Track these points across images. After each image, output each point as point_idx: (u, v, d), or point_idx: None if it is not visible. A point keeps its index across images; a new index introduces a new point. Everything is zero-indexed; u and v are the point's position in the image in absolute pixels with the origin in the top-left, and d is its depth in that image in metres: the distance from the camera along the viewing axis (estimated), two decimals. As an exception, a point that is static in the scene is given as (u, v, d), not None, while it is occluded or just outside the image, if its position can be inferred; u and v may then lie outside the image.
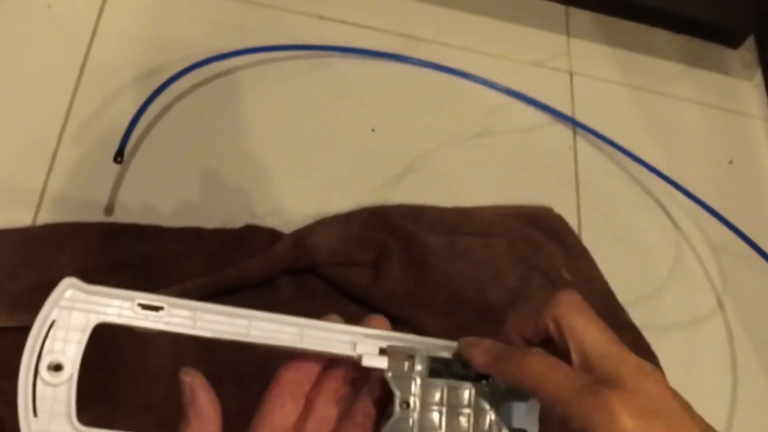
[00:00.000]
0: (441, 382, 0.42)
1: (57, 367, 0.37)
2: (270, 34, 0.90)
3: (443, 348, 0.43)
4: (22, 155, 0.78)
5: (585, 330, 0.38)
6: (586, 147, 0.95)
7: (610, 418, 0.34)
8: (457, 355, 0.43)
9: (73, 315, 0.38)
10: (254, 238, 0.77)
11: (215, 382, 0.39)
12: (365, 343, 0.42)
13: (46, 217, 0.75)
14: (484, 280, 0.81)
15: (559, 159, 0.94)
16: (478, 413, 0.42)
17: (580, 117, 0.96)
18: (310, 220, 0.80)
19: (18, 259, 0.72)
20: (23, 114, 0.80)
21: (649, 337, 0.82)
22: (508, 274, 0.82)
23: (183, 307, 0.39)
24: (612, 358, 0.37)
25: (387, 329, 0.43)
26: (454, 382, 0.42)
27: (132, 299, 0.38)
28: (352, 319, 0.75)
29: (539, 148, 0.93)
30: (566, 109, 0.96)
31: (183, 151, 0.82)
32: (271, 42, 0.89)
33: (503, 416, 0.42)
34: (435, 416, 0.41)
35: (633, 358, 0.37)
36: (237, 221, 0.79)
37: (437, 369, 0.42)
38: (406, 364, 0.41)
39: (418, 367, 0.41)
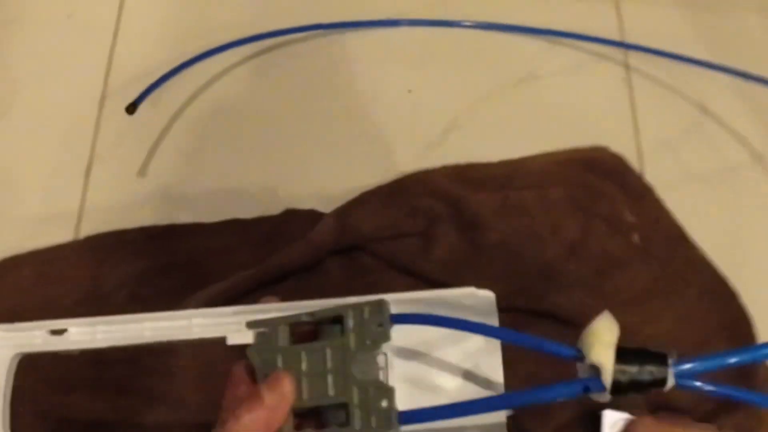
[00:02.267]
0: (301, 348, 0.40)
1: None
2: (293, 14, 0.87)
3: (324, 310, 0.40)
4: (58, 169, 0.78)
5: None
6: (640, 78, 0.88)
7: None
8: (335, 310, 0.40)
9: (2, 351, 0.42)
10: (296, 223, 0.75)
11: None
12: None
13: (87, 229, 0.75)
14: (542, 235, 0.76)
15: (612, 94, 0.87)
16: (337, 372, 0.39)
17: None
18: (352, 196, 0.77)
19: (69, 272, 0.72)
20: (54, 128, 0.80)
21: (729, 272, 0.77)
22: (567, 225, 0.77)
23: (84, 324, 0.42)
24: None
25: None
26: (314, 345, 0.40)
27: (42, 328, 0.42)
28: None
29: (589, 85, 0.87)
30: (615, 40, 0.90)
31: (217, 140, 0.80)
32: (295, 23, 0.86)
33: (357, 369, 0.39)
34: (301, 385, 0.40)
35: None
36: (277, 207, 0.77)
37: (325, 329, 0.40)
38: (277, 337, 0.40)
39: (282, 337, 0.40)
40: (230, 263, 0.73)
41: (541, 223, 0.77)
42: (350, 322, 0.39)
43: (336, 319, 0.40)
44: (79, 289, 0.70)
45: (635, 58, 0.88)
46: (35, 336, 0.41)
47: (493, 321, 0.41)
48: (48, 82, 0.82)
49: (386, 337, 0.38)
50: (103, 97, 0.81)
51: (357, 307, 0.39)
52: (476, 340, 0.41)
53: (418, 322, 0.39)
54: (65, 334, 0.41)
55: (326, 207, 0.76)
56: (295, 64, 0.85)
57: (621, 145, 0.83)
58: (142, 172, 0.78)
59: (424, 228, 0.75)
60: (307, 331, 0.41)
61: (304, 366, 0.39)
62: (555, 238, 0.76)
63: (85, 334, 0.42)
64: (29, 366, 0.62)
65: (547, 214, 0.77)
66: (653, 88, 0.88)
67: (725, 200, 0.81)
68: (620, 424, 0.68)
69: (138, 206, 0.76)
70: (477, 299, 0.39)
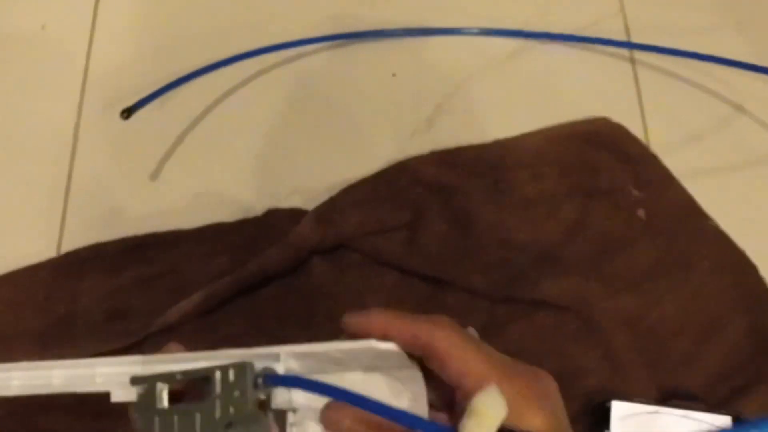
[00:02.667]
0: (175, 410, 0.36)
1: None
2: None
3: (195, 370, 0.36)
4: (36, 184, 0.76)
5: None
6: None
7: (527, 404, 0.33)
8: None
9: None
10: (278, 223, 0.72)
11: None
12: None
13: (69, 244, 0.73)
14: (537, 218, 0.72)
15: (612, 61, 0.82)
16: None
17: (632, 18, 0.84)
18: (336, 191, 0.73)
19: (42, 294, 0.70)
20: (31, 142, 0.78)
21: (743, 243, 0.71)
22: (564, 206, 0.73)
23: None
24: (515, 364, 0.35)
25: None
26: (188, 407, 0.35)
27: None
28: (394, 290, 0.70)
29: (585, 53, 0.82)
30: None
31: (194, 142, 0.78)
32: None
33: None
34: None
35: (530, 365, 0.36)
36: (259, 208, 0.74)
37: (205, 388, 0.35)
38: (154, 396, 0.36)
39: (161, 397, 0.36)
40: (210, 270, 0.70)
41: (536, 205, 0.72)
42: (217, 387, 0.34)
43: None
44: (55, 311, 0.69)
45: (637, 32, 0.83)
46: None
47: (403, 374, 0.36)
48: (24, 95, 0.80)
49: (247, 406, 0.34)
50: (80, 107, 0.79)
51: (223, 369, 0.35)
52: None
53: (293, 385, 0.35)
54: None
55: (311, 205, 0.73)
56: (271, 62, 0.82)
57: (622, 113, 0.78)
58: (121, 182, 0.76)
59: (410, 220, 0.71)
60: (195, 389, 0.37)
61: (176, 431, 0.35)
62: (551, 221, 0.72)
63: (2, 380, 0.38)
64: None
65: (543, 194, 0.73)
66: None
67: (742, 188, 0.76)
68: (630, 416, 0.64)
69: (119, 217, 0.74)
70: (378, 352, 0.34)
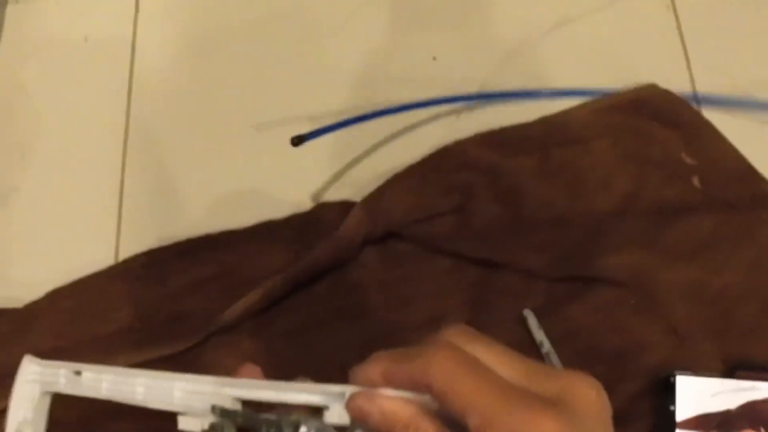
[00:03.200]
0: None
1: None
2: None
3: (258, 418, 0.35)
4: (91, 193, 0.78)
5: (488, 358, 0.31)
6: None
7: None
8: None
9: (34, 387, 0.41)
10: (328, 216, 0.72)
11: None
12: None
13: (126, 251, 0.75)
14: (590, 192, 0.71)
15: (655, 21, 0.80)
16: None
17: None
18: (384, 180, 0.73)
19: (105, 302, 0.72)
20: (82, 153, 0.80)
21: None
22: (617, 177, 0.71)
23: (91, 371, 0.40)
24: (538, 375, 0.30)
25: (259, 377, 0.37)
26: None
27: (68, 368, 0.40)
28: (447, 276, 0.69)
29: (629, 19, 0.80)
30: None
31: (237, 142, 0.79)
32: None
33: None
34: None
35: (563, 371, 0.30)
36: (308, 203, 0.74)
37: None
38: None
39: None
40: (265, 268, 0.71)
41: (588, 179, 0.71)
42: None
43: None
44: (116, 318, 0.70)
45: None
46: (60, 375, 0.40)
47: None
48: (71, 109, 0.82)
49: None
50: (127, 116, 0.81)
51: (278, 425, 0.34)
52: None
53: None
54: (81, 378, 0.40)
55: (359, 195, 0.73)
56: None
57: (671, 78, 0.76)
58: (172, 186, 0.77)
59: (460, 203, 0.71)
60: None
61: None
62: (604, 195, 0.70)
63: (95, 381, 0.40)
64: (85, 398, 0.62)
65: (594, 169, 0.71)
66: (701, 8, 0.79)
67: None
68: (695, 389, 0.63)
69: (172, 221, 0.75)
70: None
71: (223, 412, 0.36)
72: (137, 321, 0.70)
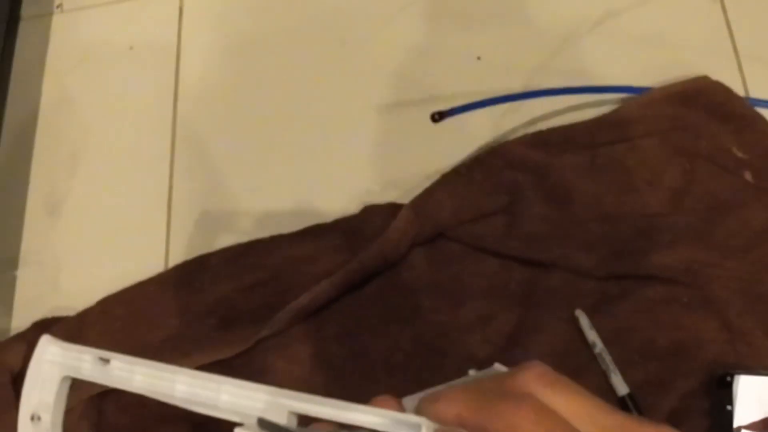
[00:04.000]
0: None
1: (38, 418, 0.39)
2: None
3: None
4: (140, 201, 0.79)
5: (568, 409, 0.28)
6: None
7: None
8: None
9: (54, 369, 0.39)
10: (375, 219, 0.72)
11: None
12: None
13: (176, 257, 0.76)
14: (639, 188, 0.70)
15: (702, 13, 0.78)
16: None
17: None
18: (430, 181, 0.73)
19: (155, 309, 0.72)
20: (130, 160, 0.81)
21: None
22: (667, 173, 0.70)
23: (125, 361, 0.37)
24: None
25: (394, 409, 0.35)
26: None
27: (93, 354, 0.38)
28: (495, 276, 0.69)
29: (676, 13, 0.79)
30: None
31: (286, 149, 0.79)
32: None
33: None
34: None
35: (647, 426, 0.28)
36: (356, 206, 0.74)
37: None
38: None
39: None
40: (314, 272, 0.71)
41: (637, 176, 0.70)
42: None
43: None
44: (167, 324, 0.71)
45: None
46: (83, 359, 0.38)
47: None
48: (118, 117, 0.83)
49: None
50: (174, 124, 0.81)
51: None
52: None
53: None
54: (109, 366, 0.38)
55: (406, 197, 0.73)
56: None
57: (721, 71, 0.74)
58: (220, 192, 0.78)
59: (508, 203, 0.71)
60: None
61: None
62: (653, 190, 0.69)
63: (126, 371, 0.37)
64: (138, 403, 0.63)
65: (643, 164, 0.71)
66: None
67: None
68: (754, 388, 0.61)
69: (220, 227, 0.76)
70: None
71: (272, 428, 0.34)
72: (187, 327, 0.71)
